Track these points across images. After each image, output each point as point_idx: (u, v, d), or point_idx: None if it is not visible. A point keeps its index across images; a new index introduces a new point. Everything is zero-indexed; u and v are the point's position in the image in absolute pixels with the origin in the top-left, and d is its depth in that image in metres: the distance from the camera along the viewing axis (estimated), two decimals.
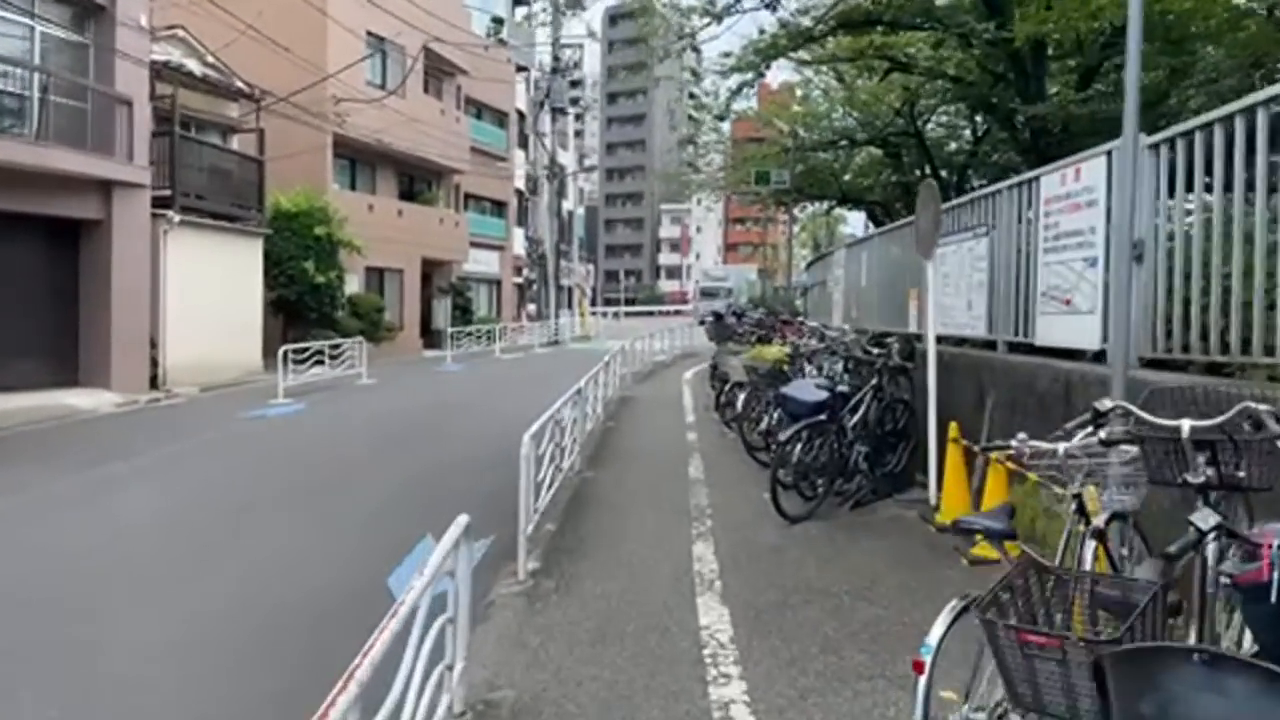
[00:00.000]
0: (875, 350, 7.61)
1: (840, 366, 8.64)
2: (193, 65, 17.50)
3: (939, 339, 8.55)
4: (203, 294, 16.64)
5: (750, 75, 14.02)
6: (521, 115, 35.86)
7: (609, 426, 11.41)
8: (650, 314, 69.90)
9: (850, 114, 22.93)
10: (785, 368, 9.13)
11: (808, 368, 8.95)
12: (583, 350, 28.53)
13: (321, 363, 16.35)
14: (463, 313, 28.62)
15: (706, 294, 53.37)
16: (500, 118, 33.86)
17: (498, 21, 30.75)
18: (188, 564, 5.90)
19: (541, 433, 6.02)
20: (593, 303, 67.55)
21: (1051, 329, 6.39)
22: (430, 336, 26.53)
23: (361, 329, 22.99)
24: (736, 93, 14.94)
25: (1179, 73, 14.13)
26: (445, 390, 16.43)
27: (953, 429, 6.57)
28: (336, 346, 17.27)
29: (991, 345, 7.51)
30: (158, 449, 10.01)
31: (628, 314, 68.09)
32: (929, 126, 23.34)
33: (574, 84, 54.95)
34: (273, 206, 21.64)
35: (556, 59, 30.78)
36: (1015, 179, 7.18)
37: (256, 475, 8.78)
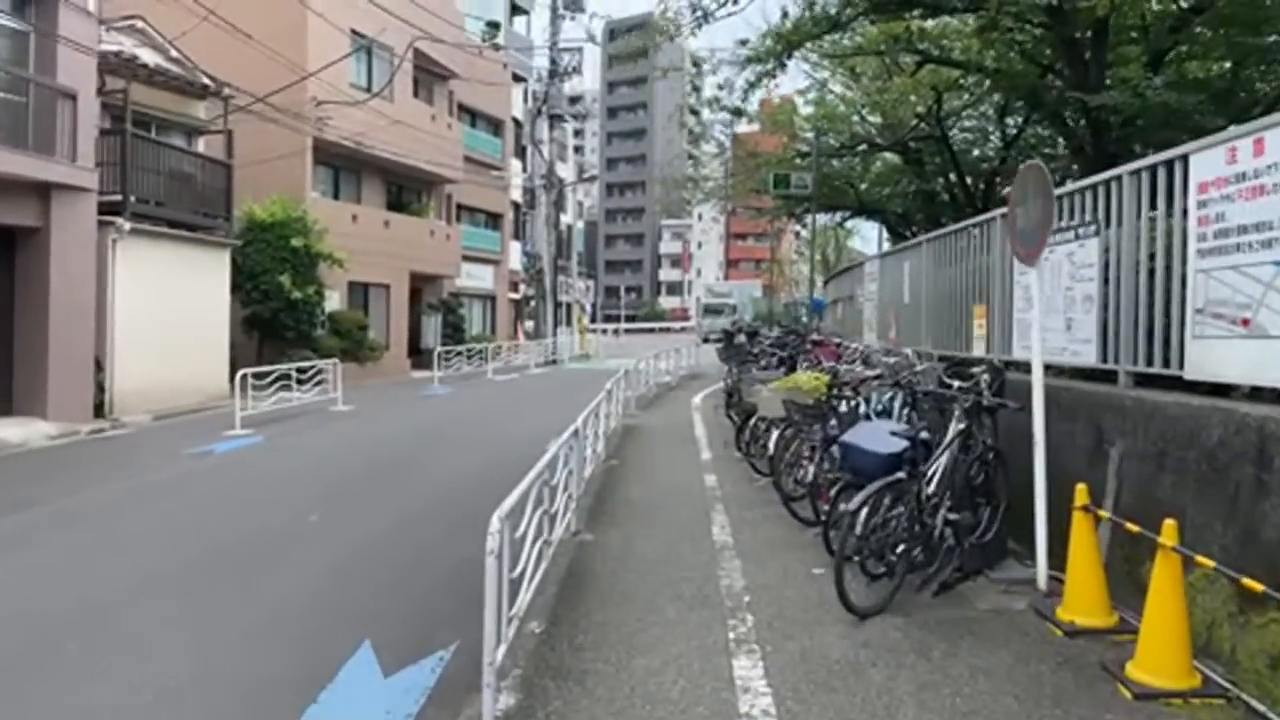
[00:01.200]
0: (956, 383, 5.92)
1: (898, 401, 6.96)
2: (152, 58, 15.91)
3: (1015, 366, 6.88)
4: (159, 310, 14.97)
5: (771, 65, 12.45)
6: (518, 124, 34.35)
7: (611, 465, 9.70)
8: (651, 331, 68.34)
9: (869, 118, 21.37)
10: (828, 402, 7.44)
11: (853, 402, 7.26)
12: (581, 371, 26.83)
13: (289, 387, 14.64)
14: (454, 331, 26.96)
15: (710, 311, 51.68)
16: (495, 126, 32.33)
17: (493, 25, 29.28)
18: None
19: (522, 504, 4.31)
20: (592, 319, 66.03)
21: (1216, 358, 4.70)
22: (419, 356, 24.84)
23: (343, 348, 21.35)
24: (755, 85, 13.34)
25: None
26: (427, 418, 14.73)
27: (1080, 493, 4.87)
28: (306, 369, 15.56)
29: (1106, 376, 5.84)
30: (57, 501, 8.28)
31: (628, 331, 66.53)
32: (954, 132, 21.81)
33: (573, 100, 53.56)
34: (245, 216, 20.06)
35: (554, 63, 29.29)
36: (1142, 162, 5.52)
37: (167, 540, 7.05)
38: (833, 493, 5.94)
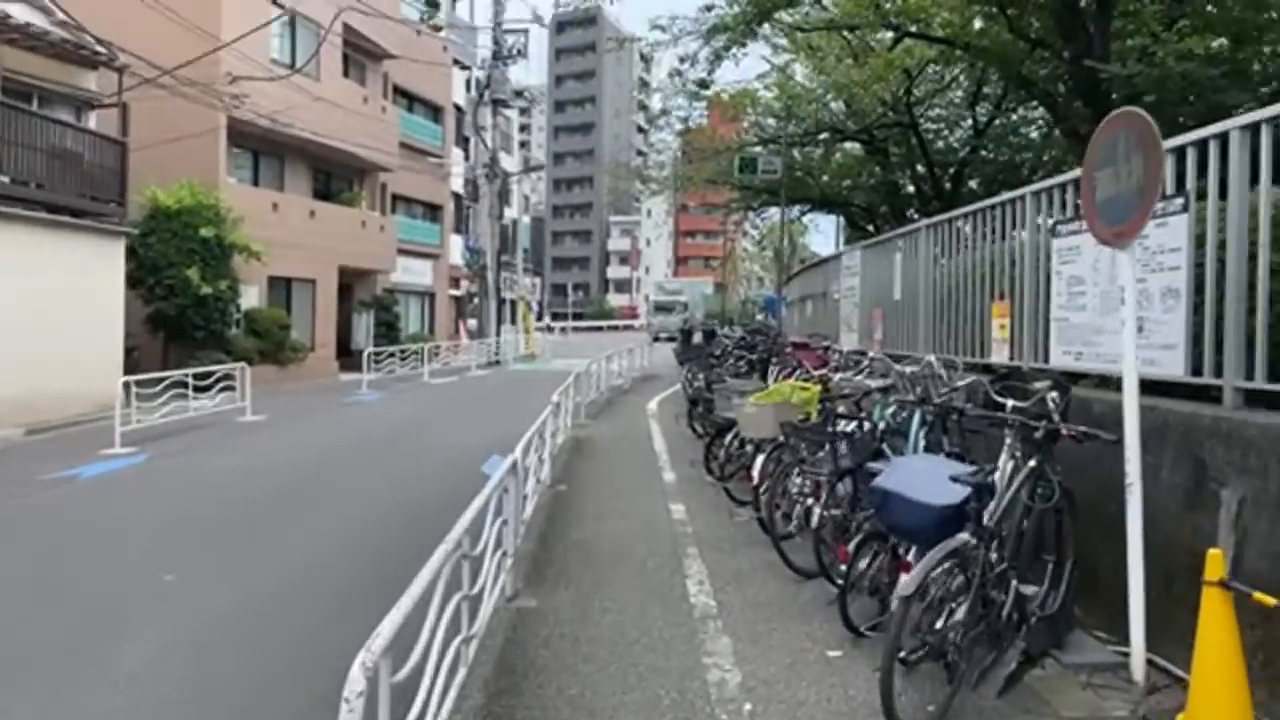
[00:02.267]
0: (1010, 402, 4.52)
1: (915, 420, 5.56)
2: (29, 17, 13.84)
3: (1063, 378, 5.53)
4: (33, 307, 12.95)
5: (740, 31, 11.06)
6: (460, 111, 32.48)
7: (559, 492, 8.16)
8: (599, 329, 66.74)
9: (832, 104, 20.14)
10: (825, 421, 6.01)
11: (870, 424, 5.84)
12: (526, 372, 25.16)
13: (186, 395, 12.74)
14: (388, 330, 25.05)
15: (660, 308, 50.25)
16: (435, 111, 30.41)
17: (431, 4, 27.47)
18: None
19: (422, 608, 2.75)
20: (539, 317, 64.13)
21: None
22: (350, 357, 22.88)
23: (262, 350, 19.40)
24: (721, 56, 11.94)
25: None
26: (347, 431, 12.97)
27: (1213, 561, 3.50)
28: (209, 374, 13.67)
29: (1198, 392, 4.55)
30: None
31: (575, 329, 64.84)
32: (921, 121, 20.76)
33: (519, 94, 51.64)
34: (149, 202, 18.01)
35: (498, 44, 27.52)
36: (1264, 112, 4.18)
37: None
38: (851, 546, 4.50)
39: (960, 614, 3.62)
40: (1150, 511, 4.23)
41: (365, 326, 24.01)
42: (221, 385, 13.98)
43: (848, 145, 23.24)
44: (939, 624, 3.61)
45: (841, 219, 27.39)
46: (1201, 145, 4.64)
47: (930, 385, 5.78)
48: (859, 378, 6.93)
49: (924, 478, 3.84)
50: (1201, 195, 4.64)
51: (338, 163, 24.15)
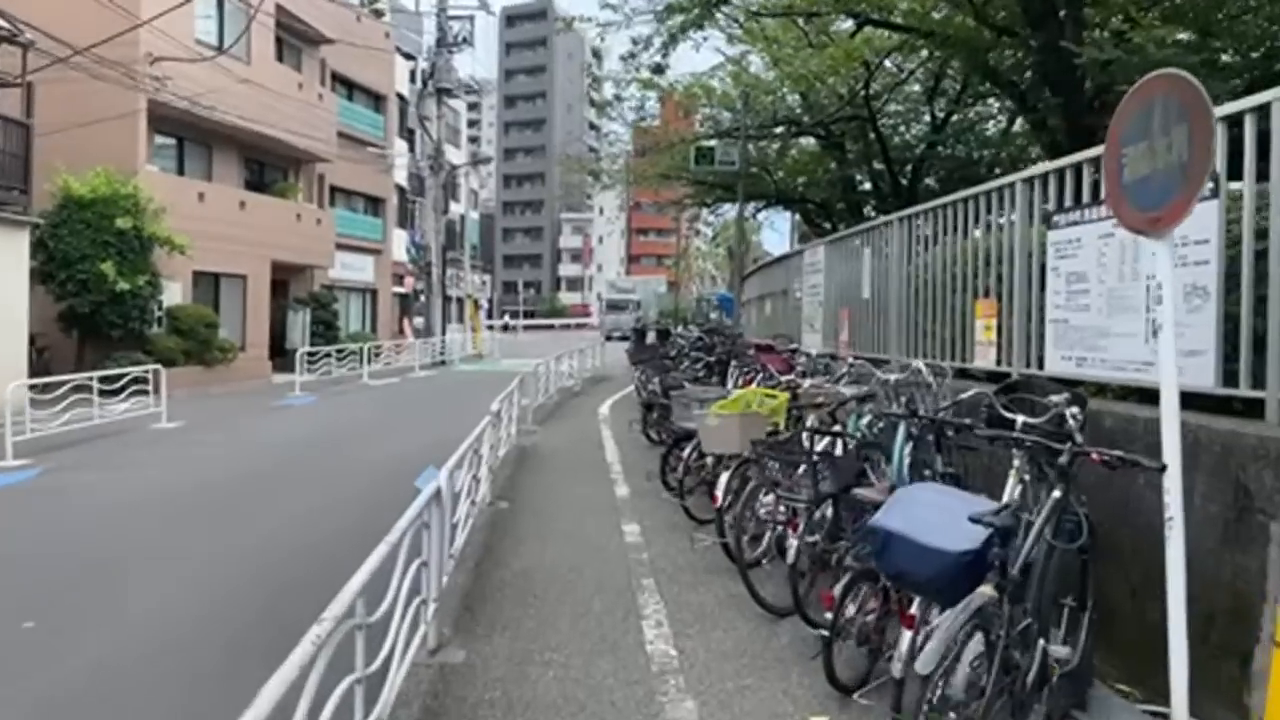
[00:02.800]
0: (1021, 418, 3.85)
1: (900, 435, 4.88)
2: None
3: (1071, 387, 4.92)
4: None
5: (696, 13, 10.35)
6: (404, 101, 31.28)
7: (500, 510, 7.35)
8: (550, 327, 65.70)
9: (788, 97, 19.56)
10: (798, 434, 5.32)
11: (852, 440, 5.16)
12: (472, 373, 24.18)
13: (92, 401, 11.60)
14: (326, 328, 23.83)
15: (613, 307, 49.44)
16: (376, 100, 29.19)
17: None
18: None
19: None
20: (489, 315, 62.84)
21: None
22: (285, 357, 21.65)
23: (186, 349, 18.16)
24: (676, 38, 11.20)
25: None
26: (270, 440, 11.93)
27: None
28: (118, 377, 12.52)
29: (1225, 405, 3.98)
30: None
31: (526, 328, 63.71)
32: (879, 116, 20.37)
33: (470, 90, 50.27)
34: (60, 190, 16.69)
35: (442, 30, 26.45)
36: None
37: None
38: (837, 590, 3.79)
39: (981, 683, 2.94)
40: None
41: (301, 325, 22.79)
42: (137, 389, 12.84)
43: (803, 141, 22.77)
44: (955, 696, 2.92)
45: (797, 216, 26.99)
46: (1233, 120, 4.06)
47: (917, 394, 5.11)
48: (832, 384, 6.26)
49: (934, 515, 3.14)
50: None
51: (271, 152, 22.88)
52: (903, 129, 20.65)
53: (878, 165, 19.63)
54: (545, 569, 5.74)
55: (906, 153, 19.53)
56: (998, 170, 19.61)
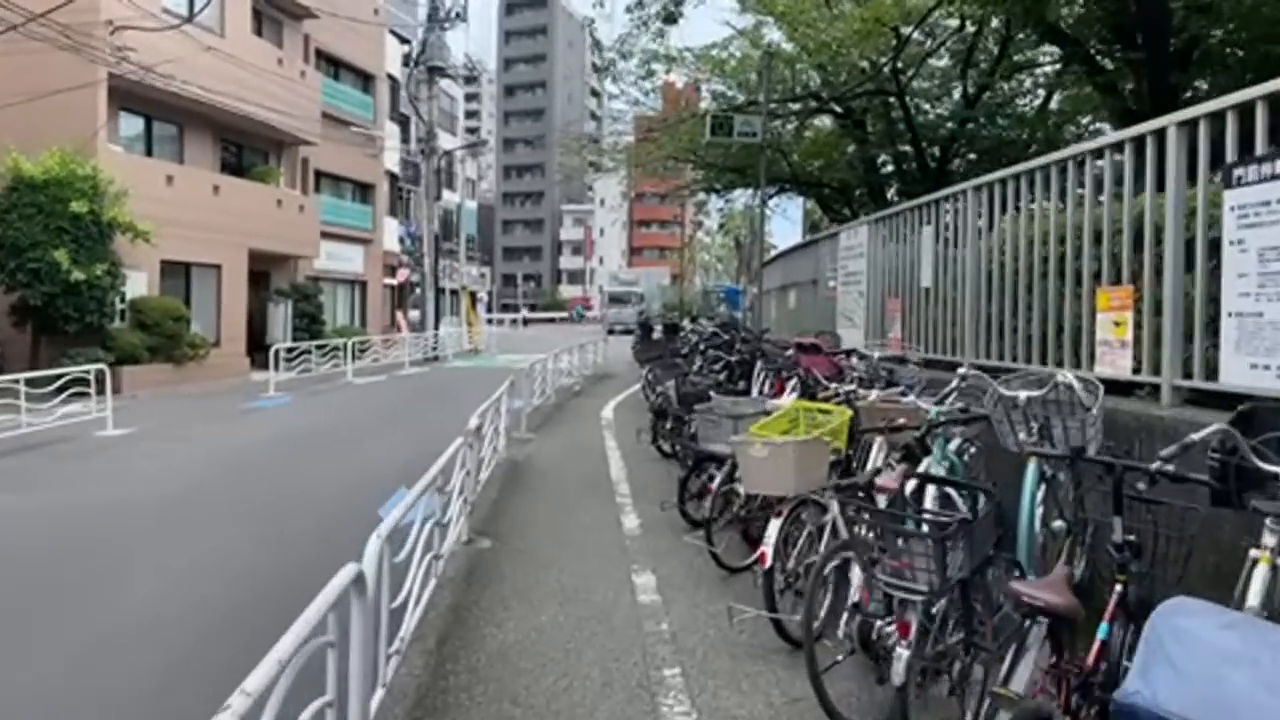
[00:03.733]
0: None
1: (1030, 476, 3.38)
2: None
3: (1223, 399, 3.38)
4: None
5: None
6: (395, 83, 29.70)
7: (480, 553, 5.86)
8: (551, 321, 64.17)
9: (808, 70, 17.99)
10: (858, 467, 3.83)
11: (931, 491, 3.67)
12: (466, 370, 22.67)
13: (17, 408, 10.09)
14: (310, 321, 22.33)
15: (615, 300, 47.83)
16: (365, 81, 27.59)
17: None
18: None
19: None
20: (489, 309, 61.27)
21: None
22: (265, 353, 20.11)
23: (151, 345, 16.68)
24: None
25: None
26: (227, 452, 10.38)
27: None
28: (54, 379, 11.02)
29: None
30: None
31: (526, 321, 62.20)
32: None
33: (469, 80, 48.57)
34: (10, 171, 15.23)
35: (434, 4, 24.86)
36: None
37: None
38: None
39: None
40: None
41: (283, 319, 21.29)
42: (80, 391, 11.36)
43: (820, 123, 21.25)
44: None
45: (809, 204, 25.45)
46: None
47: (1056, 417, 3.61)
48: (912, 397, 4.76)
49: (1251, 686, 1.64)
50: None
51: (250, 133, 21.35)
52: (927, 107, 19.11)
53: (903, 146, 18.11)
54: (532, 650, 4.24)
55: (934, 132, 18.00)
56: (1034, 149, 18.10)
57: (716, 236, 71.16)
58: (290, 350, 18.38)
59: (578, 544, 6.13)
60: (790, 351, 7.01)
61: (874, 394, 4.98)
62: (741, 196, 23.95)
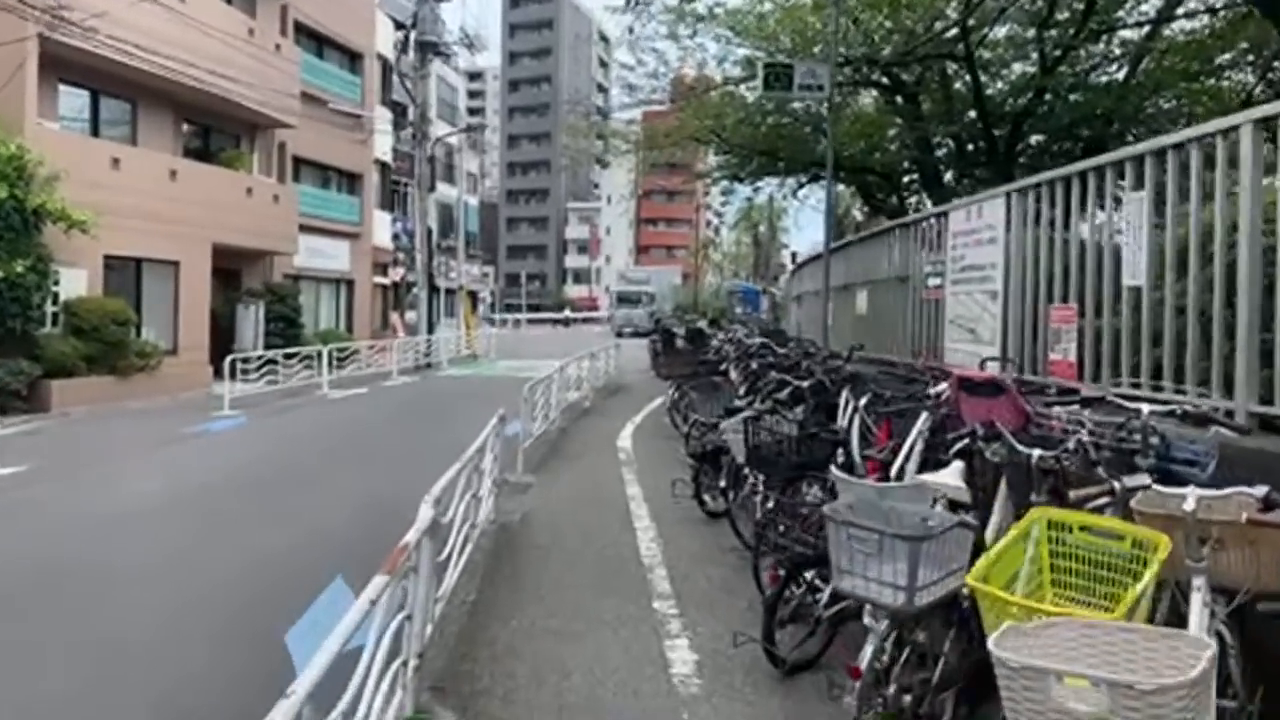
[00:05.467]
0: None
1: None
2: None
3: None
4: None
5: None
6: (387, 64, 27.25)
7: (451, 707, 3.38)
8: (556, 322, 61.73)
9: (855, 30, 15.44)
10: None
11: None
12: (460, 380, 20.21)
13: None
14: (288, 325, 19.88)
15: (624, 300, 45.23)
16: (353, 60, 25.14)
17: None
18: None
19: None
20: (491, 309, 58.90)
21: None
22: (235, 361, 17.66)
23: (88, 354, 14.27)
24: None
25: None
26: (133, 506, 7.85)
27: None
28: None
29: None
30: None
31: (530, 321, 59.81)
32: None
33: (473, 76, 46.06)
34: None
35: None
36: None
37: None
38: None
39: None
40: None
41: (254, 322, 18.85)
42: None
43: (862, 102, 18.77)
44: None
45: (848, 189, 22.97)
46: None
47: None
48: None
49: None
50: None
51: (217, 113, 18.93)
52: (984, 80, 16.60)
53: (968, 119, 15.59)
54: None
55: (1003, 106, 15.49)
56: (1135, 131, 15.59)
57: (726, 234, 68.69)
58: (246, 361, 15.93)
59: (595, 710, 3.67)
60: (940, 388, 4.52)
61: (1193, 493, 2.50)
62: (766, 187, 21.42)
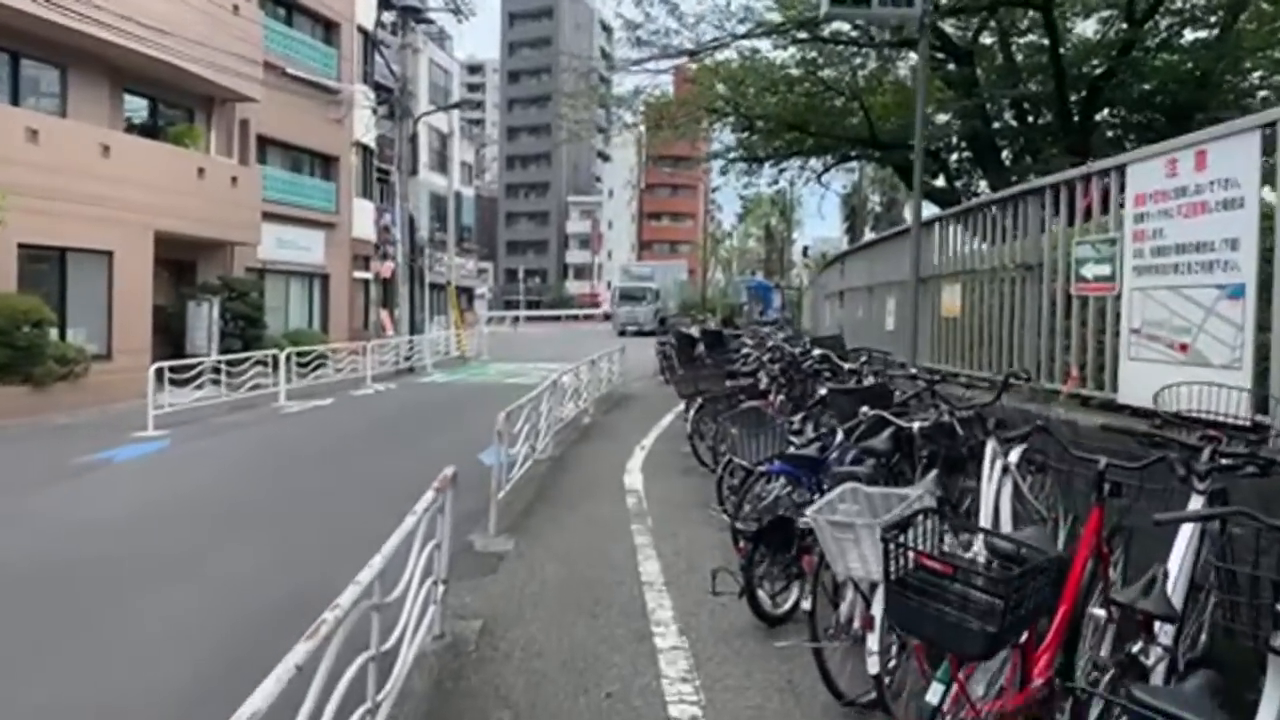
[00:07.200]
0: None
1: None
2: None
3: None
4: None
5: None
6: (370, 39, 24.90)
7: None
8: (557, 319, 59.37)
9: None
10: None
11: None
12: (442, 388, 17.87)
13: None
14: (248, 324, 17.55)
15: (627, 297, 42.78)
16: (328, 30, 22.74)
17: None
18: None
19: None
20: (490, 306, 56.50)
21: None
22: (183, 365, 15.31)
23: None
24: None
25: None
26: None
27: None
28: None
29: None
30: None
31: (529, 319, 57.45)
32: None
33: (472, 69, 43.00)
34: None
35: None
36: None
37: None
38: None
39: None
40: None
41: (207, 321, 16.54)
42: None
43: (902, 70, 16.42)
44: None
45: (873, 170, 20.60)
46: None
47: None
48: None
49: None
50: None
51: (166, 83, 16.60)
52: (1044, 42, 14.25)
53: (1034, 87, 13.24)
54: None
55: (1078, 67, 13.14)
56: (1234, 101, 13.25)
57: (730, 227, 66.24)
58: (198, 366, 13.64)
59: None
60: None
61: None
62: (789, 169, 18.98)
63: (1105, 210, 4.92)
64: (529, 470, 8.03)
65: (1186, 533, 2.82)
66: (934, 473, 3.78)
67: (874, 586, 3.31)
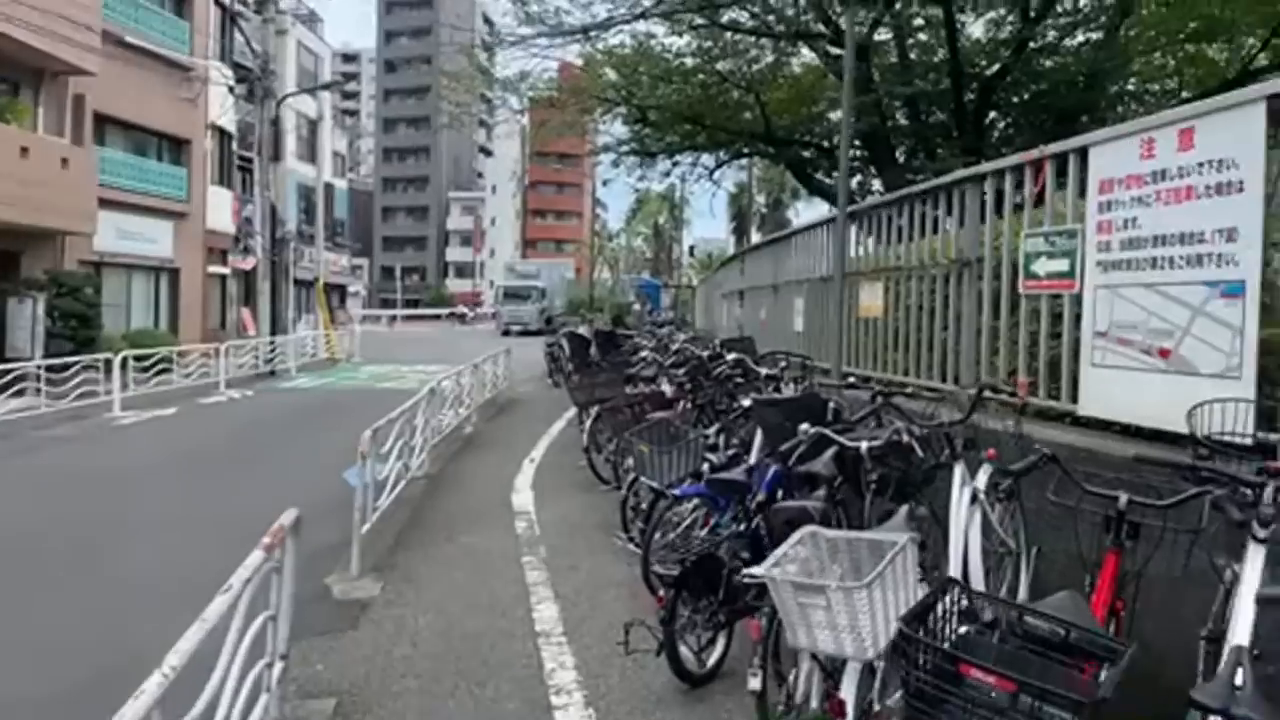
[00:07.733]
0: None
1: None
2: None
3: None
4: None
5: None
6: (228, 14, 22.80)
7: None
8: (437, 318, 57.27)
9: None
10: None
11: None
12: (305, 395, 16.34)
13: None
14: (80, 324, 15.51)
15: (512, 295, 41.43)
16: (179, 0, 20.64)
17: None
18: None
19: None
20: (365, 304, 53.95)
21: None
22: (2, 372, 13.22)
23: None
24: None
25: None
26: None
27: None
28: None
29: None
30: None
31: (407, 318, 55.21)
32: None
33: (347, 57, 40.50)
34: None
35: None
36: None
37: None
38: None
39: None
40: None
41: (30, 321, 14.48)
42: None
43: (800, 61, 16.07)
44: None
45: (734, 183, 20.31)
46: None
47: None
48: None
49: None
50: None
51: None
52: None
53: (927, 83, 13.08)
54: None
55: (971, 66, 13.05)
56: (1124, 104, 13.49)
57: (616, 225, 65.85)
58: (12, 370, 11.80)
59: None
60: None
61: None
62: (681, 165, 18.39)
63: (1040, 202, 4.40)
64: (402, 490, 7.01)
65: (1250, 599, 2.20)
66: (905, 508, 3.08)
67: (845, 663, 2.59)
